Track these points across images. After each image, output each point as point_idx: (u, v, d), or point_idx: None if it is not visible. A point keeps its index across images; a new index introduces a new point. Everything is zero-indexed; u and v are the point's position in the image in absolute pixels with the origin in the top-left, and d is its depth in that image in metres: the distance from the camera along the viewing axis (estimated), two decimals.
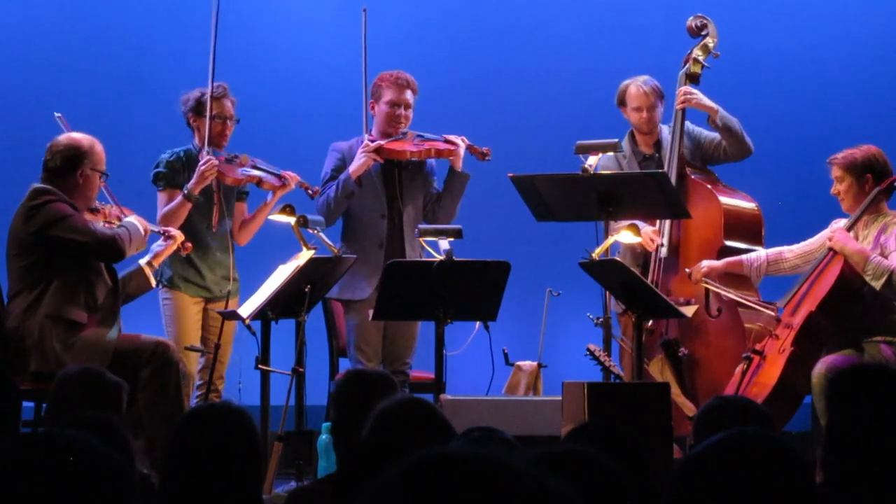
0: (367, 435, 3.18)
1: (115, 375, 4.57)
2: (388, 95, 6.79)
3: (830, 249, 6.32)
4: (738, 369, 6.29)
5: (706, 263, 6.50)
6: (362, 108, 6.82)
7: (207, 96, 6.58)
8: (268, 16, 8.68)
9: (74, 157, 5.97)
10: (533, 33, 8.71)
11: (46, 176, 5.99)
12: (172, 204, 6.54)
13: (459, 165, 6.80)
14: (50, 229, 5.86)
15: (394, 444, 3.09)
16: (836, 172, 6.36)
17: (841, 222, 6.39)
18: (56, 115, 6.43)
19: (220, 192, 6.65)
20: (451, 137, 6.81)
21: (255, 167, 6.67)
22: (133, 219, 6.08)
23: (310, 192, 6.71)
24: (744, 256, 6.57)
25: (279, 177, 6.67)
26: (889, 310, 6.22)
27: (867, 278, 6.16)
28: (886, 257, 6.19)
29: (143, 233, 6.06)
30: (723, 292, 6.47)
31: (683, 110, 6.75)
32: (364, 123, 6.80)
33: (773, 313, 6.35)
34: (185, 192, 6.50)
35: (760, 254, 6.58)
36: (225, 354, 6.60)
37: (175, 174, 6.61)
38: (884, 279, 6.13)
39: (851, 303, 6.25)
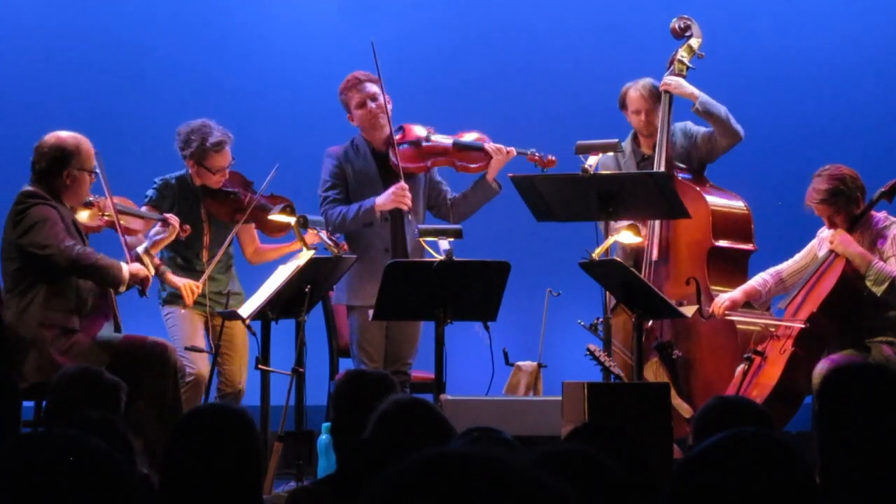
0: (368, 435, 3.18)
1: (113, 376, 4.57)
2: (354, 100, 6.70)
3: (832, 251, 6.31)
4: (739, 370, 6.29)
5: (726, 297, 6.42)
6: None
7: (210, 143, 6.48)
8: (269, 17, 8.67)
9: (61, 159, 5.89)
10: (532, 33, 8.70)
11: (34, 178, 5.95)
12: None
13: (492, 176, 6.69)
14: (25, 236, 5.83)
15: (394, 445, 3.09)
16: (826, 211, 6.25)
17: (826, 231, 6.36)
18: None
19: (209, 221, 6.61)
20: (492, 149, 6.65)
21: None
22: (124, 266, 5.95)
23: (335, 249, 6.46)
24: (755, 284, 6.50)
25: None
26: (891, 310, 6.22)
27: (868, 283, 6.16)
28: (886, 262, 6.19)
29: (121, 275, 5.88)
30: (748, 319, 6.45)
31: (670, 114, 6.73)
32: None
33: (801, 325, 6.29)
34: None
35: (766, 276, 6.54)
36: (240, 358, 6.57)
37: (161, 199, 6.56)
38: (885, 285, 6.12)
39: (853, 303, 6.24)
